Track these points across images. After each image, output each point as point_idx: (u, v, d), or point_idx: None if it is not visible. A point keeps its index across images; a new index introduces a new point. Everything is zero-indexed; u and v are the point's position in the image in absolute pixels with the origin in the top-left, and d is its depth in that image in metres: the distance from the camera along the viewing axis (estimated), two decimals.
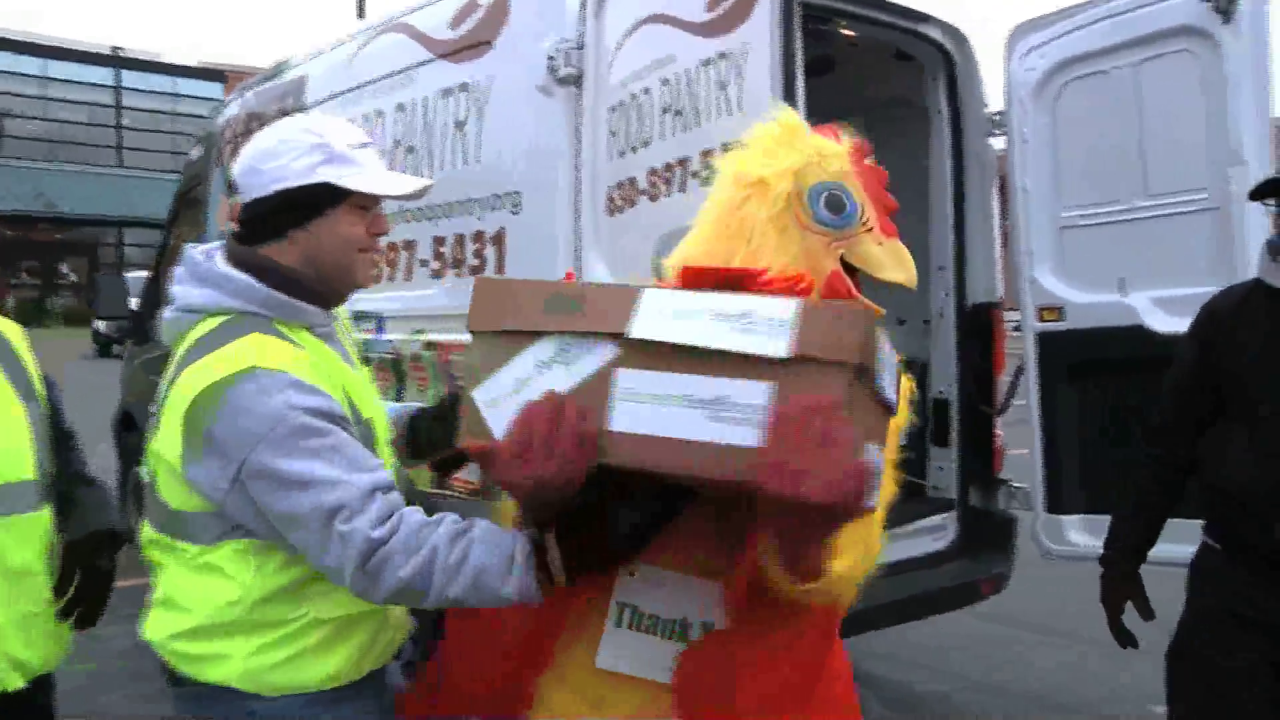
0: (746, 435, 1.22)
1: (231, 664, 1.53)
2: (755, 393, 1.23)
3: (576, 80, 3.09)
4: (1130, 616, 2.40)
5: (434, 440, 1.81)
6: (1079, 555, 3.45)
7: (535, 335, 1.35)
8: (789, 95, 2.37)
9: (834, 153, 1.55)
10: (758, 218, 1.50)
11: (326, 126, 1.63)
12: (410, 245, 3.94)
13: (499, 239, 3.41)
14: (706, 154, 2.63)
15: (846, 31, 3.96)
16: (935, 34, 4.00)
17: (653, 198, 2.82)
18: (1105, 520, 2.52)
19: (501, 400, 1.37)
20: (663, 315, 1.28)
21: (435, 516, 1.48)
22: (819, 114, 1.35)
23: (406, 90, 3.98)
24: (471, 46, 3.57)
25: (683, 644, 1.49)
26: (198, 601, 1.54)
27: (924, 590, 3.71)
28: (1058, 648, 4.89)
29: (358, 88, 4.29)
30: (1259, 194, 2.25)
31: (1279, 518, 2.09)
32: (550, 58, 3.13)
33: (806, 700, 1.54)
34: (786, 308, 1.24)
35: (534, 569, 1.41)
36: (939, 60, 4.05)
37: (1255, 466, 2.14)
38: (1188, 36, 3.56)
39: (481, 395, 1.39)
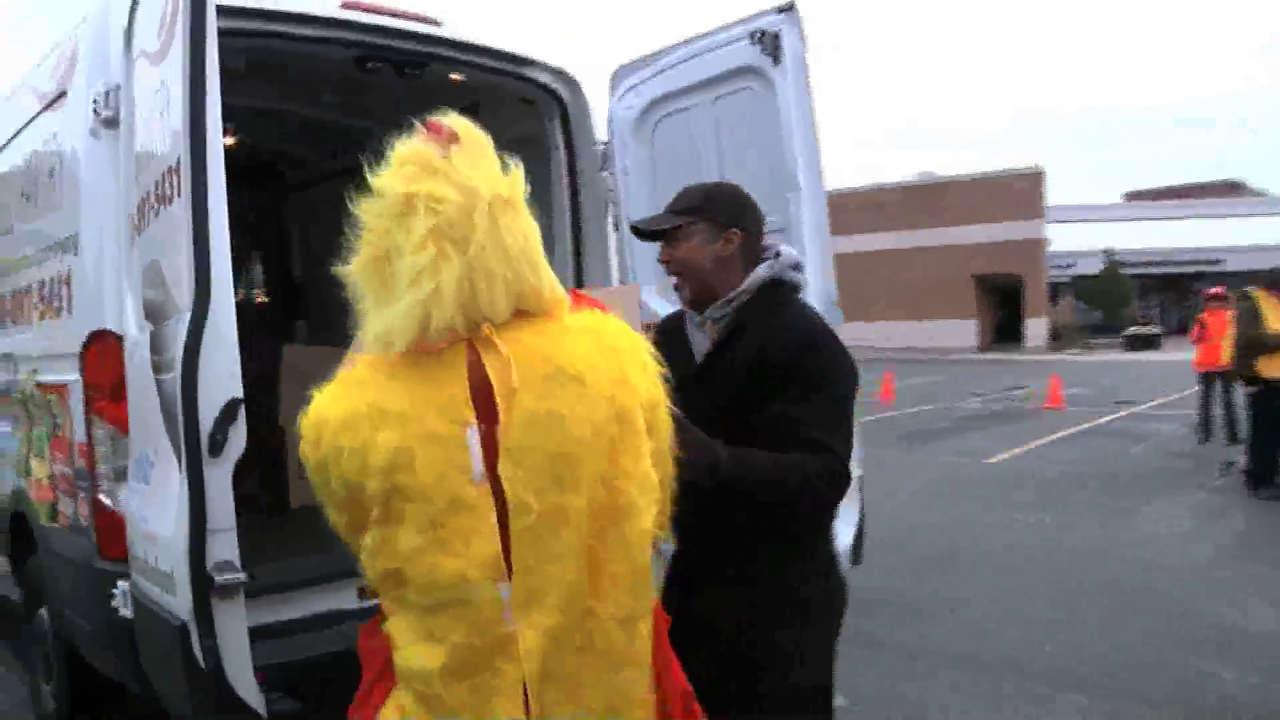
0: None
1: None
2: None
3: (115, 122, 3.21)
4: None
5: None
6: None
7: None
8: (196, 121, 2.46)
9: None
10: None
11: None
12: (33, 289, 4.01)
13: (68, 279, 3.49)
14: (158, 184, 2.74)
15: (454, 76, 4.17)
16: (544, 78, 4.23)
17: (140, 231, 2.93)
18: None
19: None
20: None
21: None
22: None
23: (28, 142, 4.10)
24: (58, 97, 3.68)
25: None
26: None
27: None
28: None
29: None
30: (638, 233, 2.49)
31: None
32: (95, 102, 3.25)
33: None
34: None
35: None
36: (552, 102, 4.27)
37: None
38: (748, 76, 3.82)
39: None
